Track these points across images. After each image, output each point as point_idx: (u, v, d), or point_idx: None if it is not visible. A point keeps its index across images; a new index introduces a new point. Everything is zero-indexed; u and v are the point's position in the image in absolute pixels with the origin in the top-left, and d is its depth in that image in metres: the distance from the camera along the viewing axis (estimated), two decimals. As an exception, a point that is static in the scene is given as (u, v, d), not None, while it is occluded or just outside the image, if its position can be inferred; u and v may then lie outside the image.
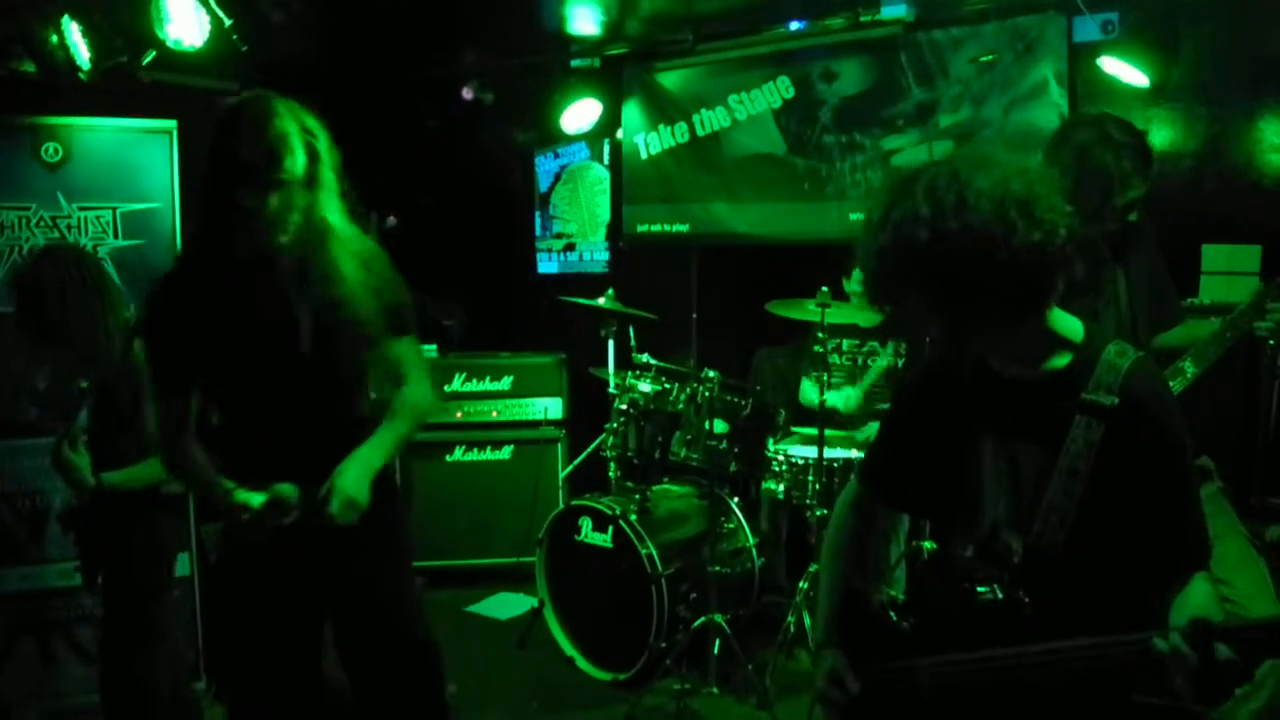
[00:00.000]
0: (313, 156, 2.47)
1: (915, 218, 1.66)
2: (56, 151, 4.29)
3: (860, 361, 4.81)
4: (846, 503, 2.20)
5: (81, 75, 4.14)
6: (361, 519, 2.52)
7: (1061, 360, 1.80)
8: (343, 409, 2.63)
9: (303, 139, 2.45)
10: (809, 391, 4.81)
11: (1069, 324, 1.82)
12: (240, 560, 2.72)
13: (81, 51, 4.10)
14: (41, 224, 4.27)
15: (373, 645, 2.72)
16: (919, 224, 1.65)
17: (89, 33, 4.12)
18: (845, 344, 4.83)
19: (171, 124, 4.44)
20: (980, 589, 1.80)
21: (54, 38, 4.08)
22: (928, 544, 2.02)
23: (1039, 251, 1.65)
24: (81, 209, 4.32)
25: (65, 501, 4.36)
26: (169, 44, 4.11)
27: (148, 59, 4.30)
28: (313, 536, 2.52)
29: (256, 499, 2.43)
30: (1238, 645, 1.51)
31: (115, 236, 4.35)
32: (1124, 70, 4.25)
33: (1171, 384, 2.75)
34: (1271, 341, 2.84)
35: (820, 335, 4.26)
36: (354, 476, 2.50)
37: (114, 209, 4.36)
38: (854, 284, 4.71)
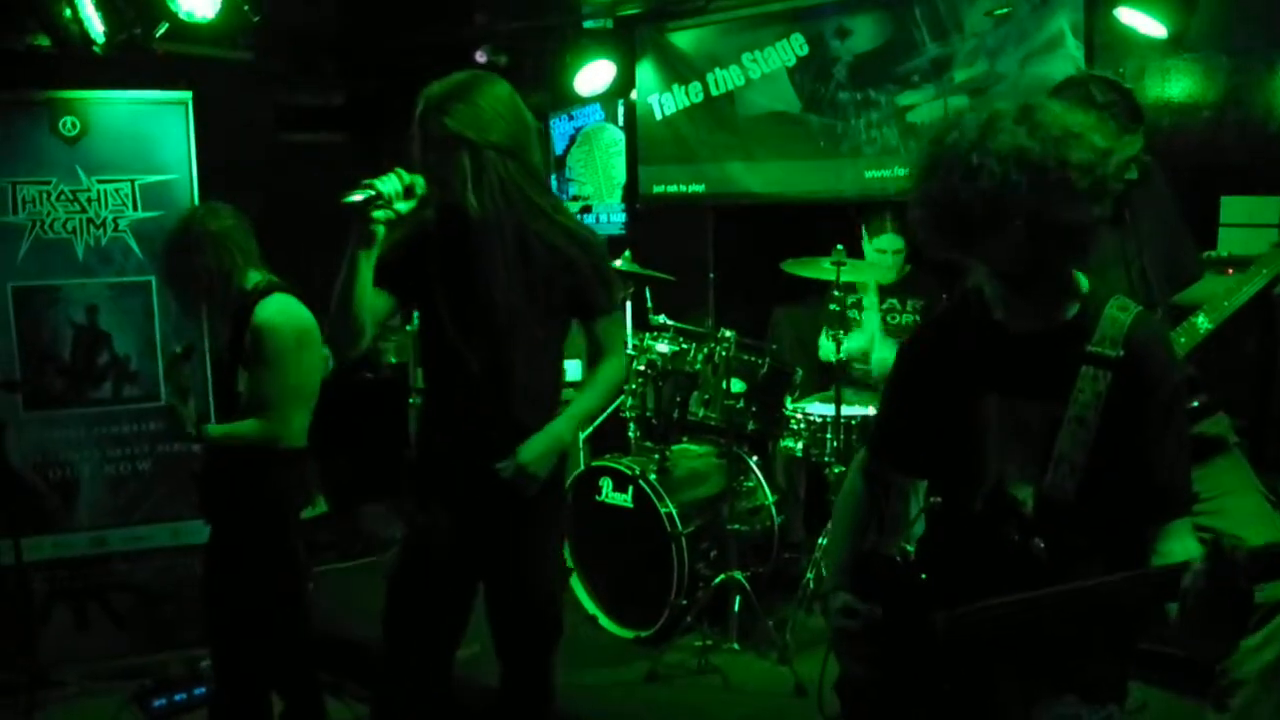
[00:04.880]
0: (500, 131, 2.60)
1: (1024, 151, 1.67)
2: (74, 125, 4.33)
3: (880, 320, 4.80)
4: (857, 471, 2.23)
5: (96, 48, 4.16)
6: (539, 491, 2.72)
7: (1070, 310, 1.83)
8: (523, 376, 2.72)
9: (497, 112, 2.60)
10: (827, 347, 4.82)
11: (1077, 275, 1.86)
12: (417, 528, 2.85)
13: (95, 24, 4.11)
14: (62, 198, 4.32)
15: (519, 615, 2.88)
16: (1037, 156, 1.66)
17: (102, 5, 4.13)
18: (865, 302, 4.83)
19: (187, 95, 4.47)
20: (996, 540, 1.83)
21: (67, 11, 4.10)
22: (936, 500, 2.05)
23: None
24: (100, 182, 4.37)
25: (96, 471, 4.47)
26: (181, 15, 4.12)
27: (161, 30, 4.31)
28: (487, 502, 2.71)
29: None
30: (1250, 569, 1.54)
31: (134, 209, 4.40)
32: (1141, 20, 4.18)
33: (1183, 339, 2.76)
34: None
35: (837, 294, 4.26)
36: (538, 449, 2.69)
37: (132, 181, 4.41)
38: (878, 249, 4.69)
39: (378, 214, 2.47)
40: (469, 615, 2.90)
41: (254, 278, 3.32)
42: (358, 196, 2.44)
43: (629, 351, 4.67)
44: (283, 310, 3.26)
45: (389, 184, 2.48)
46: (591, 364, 2.90)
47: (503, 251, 2.61)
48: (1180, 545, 1.73)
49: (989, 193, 1.67)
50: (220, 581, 3.40)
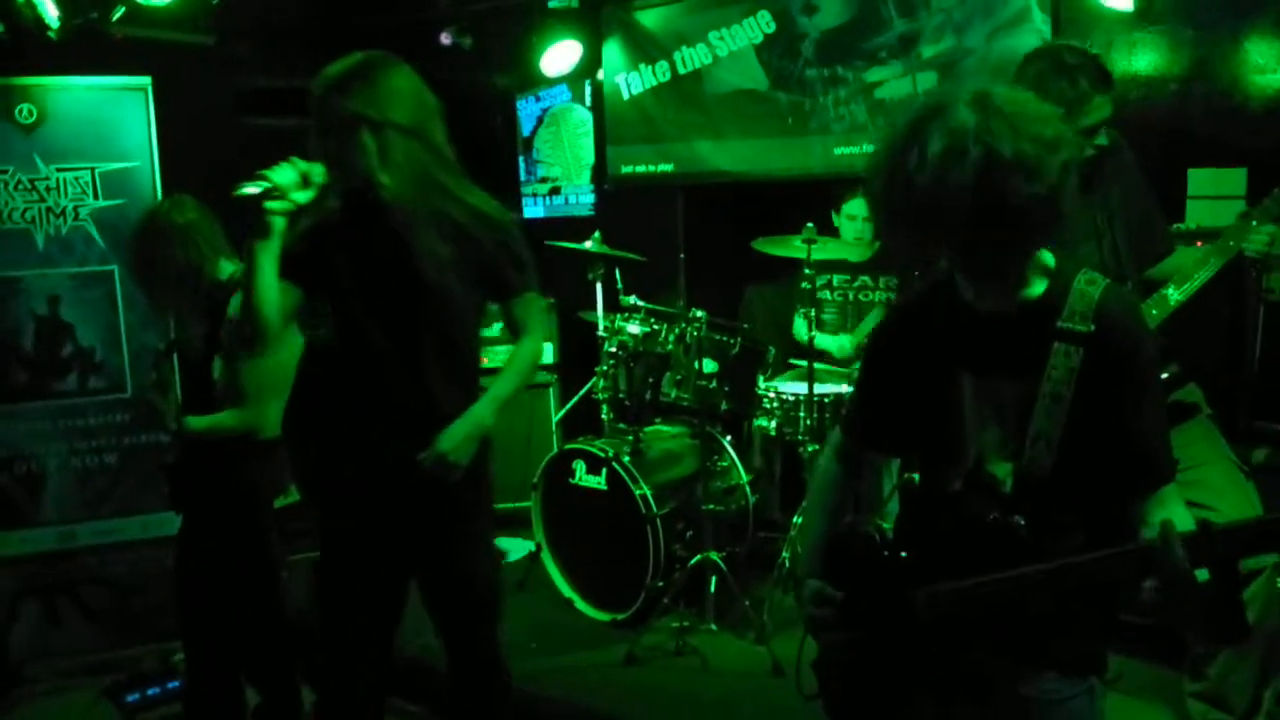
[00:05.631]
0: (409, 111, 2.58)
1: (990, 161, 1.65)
2: (31, 113, 4.24)
3: (851, 297, 4.80)
4: (832, 453, 2.22)
5: (51, 34, 4.08)
6: (462, 477, 2.67)
7: (1038, 288, 1.83)
8: (442, 359, 2.68)
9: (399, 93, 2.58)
10: (801, 328, 4.82)
11: (1043, 253, 1.85)
12: (339, 523, 2.80)
13: (49, 9, 4.03)
14: (20, 187, 4.24)
15: (458, 605, 2.85)
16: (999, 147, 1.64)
17: (56, -10, 4.06)
18: (836, 279, 4.83)
19: (146, 80, 4.39)
20: (975, 519, 1.82)
21: (20, -4, 4.03)
22: (916, 476, 2.05)
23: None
24: (60, 170, 4.29)
25: (62, 464, 4.41)
26: (138, -1, 4.06)
27: (117, 15, 4.24)
28: (411, 494, 2.66)
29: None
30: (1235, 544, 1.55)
31: (95, 197, 4.32)
32: (1107, -6, 4.20)
33: (1154, 311, 2.77)
34: (1257, 266, 2.86)
35: (808, 271, 4.25)
36: (458, 435, 2.64)
37: (92, 169, 4.33)
38: (848, 215, 4.70)
39: (274, 205, 2.42)
40: (403, 602, 2.85)
41: (227, 269, 3.29)
42: (251, 189, 2.40)
43: (600, 333, 4.65)
44: None
45: (284, 174, 2.44)
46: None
47: (423, 230, 2.57)
48: (1170, 513, 1.72)
49: (943, 216, 1.68)
50: (194, 573, 3.37)
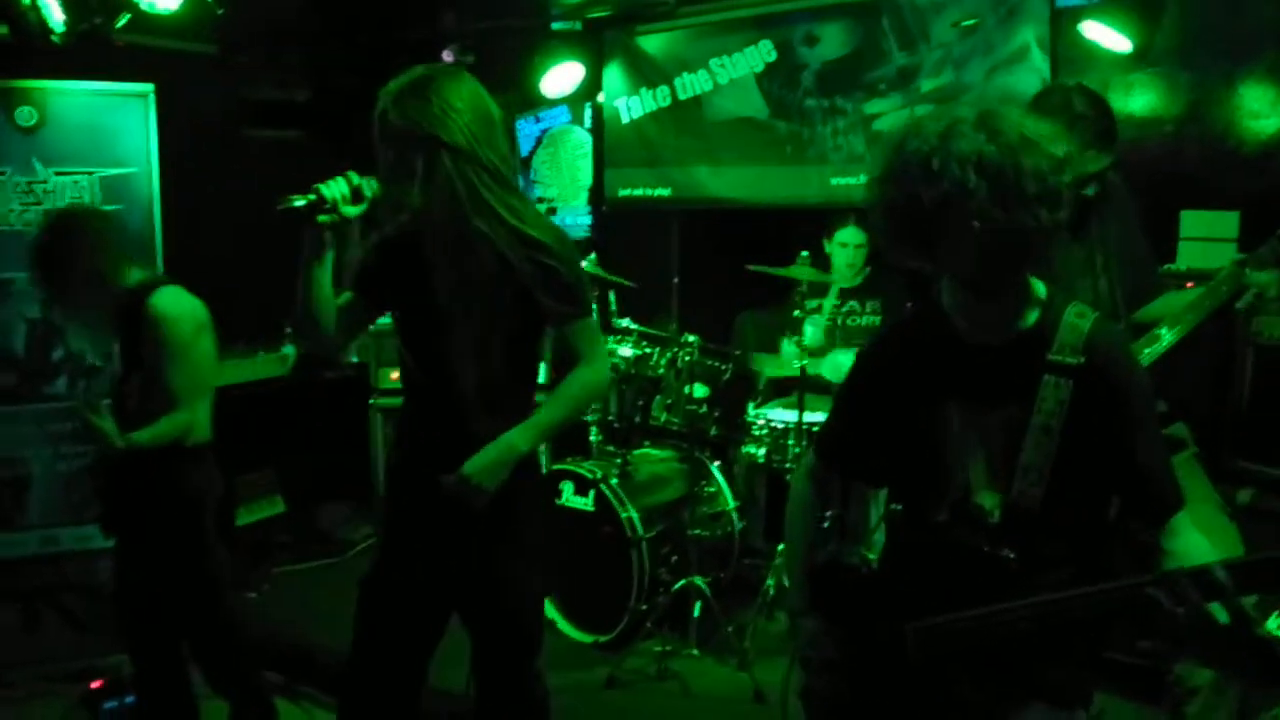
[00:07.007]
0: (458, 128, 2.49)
1: (983, 155, 1.67)
2: (32, 115, 4.25)
3: (839, 321, 4.82)
4: (804, 476, 2.22)
5: (55, 38, 4.08)
6: (495, 506, 2.56)
7: (1031, 318, 1.84)
8: (482, 386, 2.56)
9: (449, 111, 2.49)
10: (790, 353, 4.82)
11: (1034, 283, 1.87)
12: (387, 543, 2.76)
13: (54, 14, 4.04)
14: (17, 189, 4.24)
15: (491, 637, 2.75)
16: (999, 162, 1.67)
17: (62, -5, 4.08)
18: (826, 305, 4.84)
19: (149, 87, 4.41)
20: (963, 550, 1.83)
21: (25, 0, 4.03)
22: (898, 508, 2.05)
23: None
24: (59, 174, 4.29)
25: (47, 468, 4.39)
26: (143, 6, 4.07)
27: (122, 21, 4.25)
28: (449, 522, 2.58)
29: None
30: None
31: (94, 202, 4.32)
32: (1106, 35, 4.24)
33: (1147, 350, 2.79)
34: (1241, 305, 2.87)
35: (799, 297, 4.26)
36: (485, 460, 2.53)
37: (92, 174, 4.33)
38: (840, 242, 4.71)
39: (322, 219, 2.43)
40: (440, 630, 2.77)
41: (136, 275, 3.23)
42: (299, 202, 2.41)
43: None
44: (177, 301, 3.19)
45: (334, 188, 2.43)
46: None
47: (442, 252, 2.50)
48: (1186, 542, 1.76)
49: (949, 196, 1.68)
50: (137, 586, 3.30)
